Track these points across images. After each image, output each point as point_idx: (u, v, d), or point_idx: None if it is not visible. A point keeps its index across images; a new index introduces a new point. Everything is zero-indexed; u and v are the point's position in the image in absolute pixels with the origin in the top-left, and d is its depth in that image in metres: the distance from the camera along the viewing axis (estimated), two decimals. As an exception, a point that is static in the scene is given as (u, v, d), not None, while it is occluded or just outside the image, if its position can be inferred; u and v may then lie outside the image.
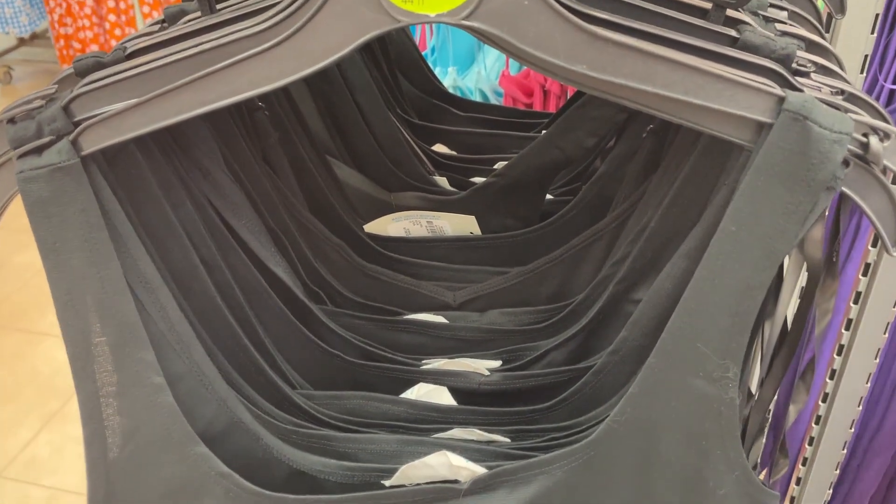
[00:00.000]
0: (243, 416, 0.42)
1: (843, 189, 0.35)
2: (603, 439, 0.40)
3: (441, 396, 0.51)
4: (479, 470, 0.42)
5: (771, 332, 0.41)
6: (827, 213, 0.36)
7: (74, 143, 0.37)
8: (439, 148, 0.76)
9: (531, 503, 0.41)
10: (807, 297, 0.38)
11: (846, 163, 0.34)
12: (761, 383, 0.42)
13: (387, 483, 0.43)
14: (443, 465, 0.42)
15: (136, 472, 0.40)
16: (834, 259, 0.37)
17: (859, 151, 0.34)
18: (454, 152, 0.76)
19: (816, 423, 0.87)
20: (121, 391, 0.39)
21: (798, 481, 0.97)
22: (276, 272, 0.48)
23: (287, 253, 0.51)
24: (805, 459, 0.94)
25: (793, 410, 0.40)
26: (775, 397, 0.42)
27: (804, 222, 0.35)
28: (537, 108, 1.32)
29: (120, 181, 0.40)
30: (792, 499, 0.99)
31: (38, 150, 0.37)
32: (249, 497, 0.40)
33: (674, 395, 0.39)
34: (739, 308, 0.37)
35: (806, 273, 0.40)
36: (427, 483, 0.42)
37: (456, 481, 0.42)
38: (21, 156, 0.37)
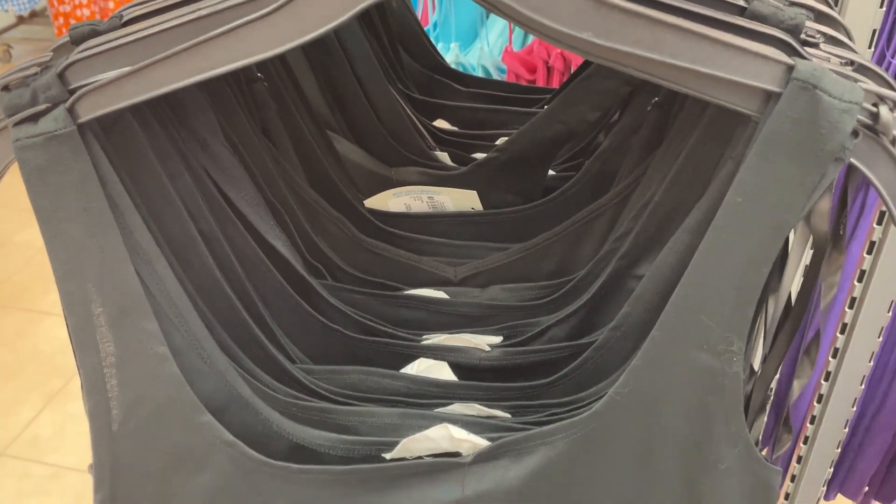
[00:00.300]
0: (242, 391, 0.42)
1: (852, 160, 0.34)
2: (605, 411, 0.40)
3: (441, 372, 0.50)
4: (480, 442, 0.42)
5: (775, 307, 0.40)
6: (835, 186, 0.36)
7: (70, 110, 0.37)
8: (440, 124, 0.75)
9: (533, 474, 0.41)
10: (812, 270, 0.37)
11: (855, 133, 0.34)
12: (764, 359, 0.42)
13: (387, 456, 0.43)
14: (444, 437, 0.42)
15: (141, 442, 0.40)
16: (841, 232, 0.37)
17: (869, 122, 0.34)
18: (455, 128, 0.75)
19: (818, 401, 0.87)
20: (124, 361, 0.39)
21: (799, 459, 0.97)
22: (276, 245, 0.48)
23: (286, 227, 0.50)
24: (806, 438, 0.94)
25: (797, 385, 0.40)
26: (778, 374, 0.41)
27: (811, 194, 0.34)
28: (541, 84, 1.31)
29: (116, 151, 0.39)
30: (793, 476, 0.99)
31: (34, 118, 0.36)
32: (254, 465, 0.40)
33: (677, 369, 0.39)
34: (744, 281, 0.36)
35: (811, 249, 0.40)
36: (429, 456, 0.42)
37: (457, 454, 0.42)
38: (17, 123, 0.36)
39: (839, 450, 0.95)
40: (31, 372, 2.07)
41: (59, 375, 2.03)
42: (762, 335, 0.43)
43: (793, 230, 0.36)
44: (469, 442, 0.42)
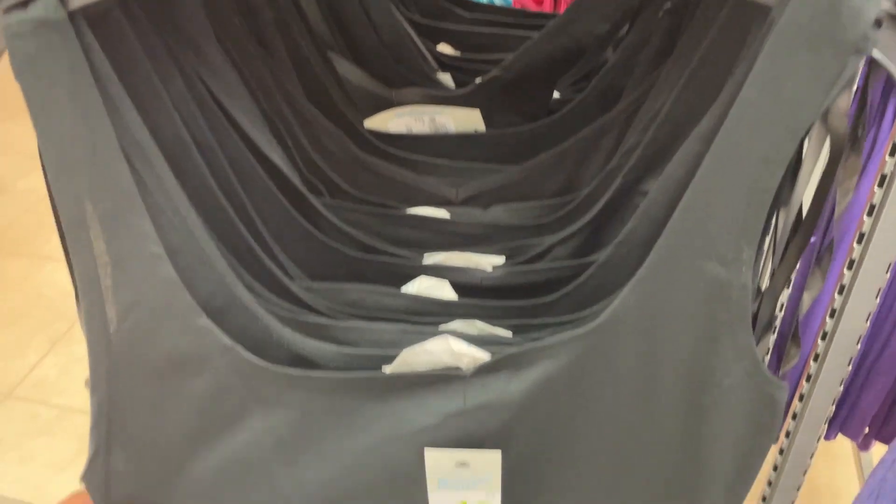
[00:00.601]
0: (242, 295, 0.41)
1: (874, 54, 0.33)
2: (609, 323, 0.39)
3: (442, 291, 0.49)
4: (481, 356, 0.41)
5: (786, 217, 0.39)
6: (855, 84, 0.34)
7: (61, -3, 0.35)
8: (444, 48, 0.73)
9: (534, 386, 0.40)
10: (828, 174, 0.36)
11: (878, 23, 0.32)
12: (773, 273, 0.41)
13: (387, 369, 0.42)
14: (444, 350, 0.41)
15: (138, 344, 0.39)
16: (859, 133, 0.35)
17: (894, 10, 0.32)
18: (459, 53, 0.73)
19: (830, 316, 0.85)
20: (119, 261, 0.38)
21: (801, 397, 0.96)
22: (272, 158, 0.46)
23: (283, 140, 0.49)
24: (809, 376, 0.94)
25: (807, 297, 0.39)
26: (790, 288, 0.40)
27: (830, 89, 0.33)
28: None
29: (105, 49, 0.37)
30: (794, 414, 0.99)
31: (24, 4, 0.35)
32: (253, 370, 0.39)
33: (683, 279, 0.38)
34: (757, 184, 0.35)
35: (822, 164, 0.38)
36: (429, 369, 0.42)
37: (457, 368, 0.41)
38: (7, 10, 0.35)
39: (842, 387, 0.95)
40: (36, 316, 2.08)
41: (64, 319, 2.04)
42: (771, 249, 0.42)
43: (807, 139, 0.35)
44: (469, 355, 0.41)
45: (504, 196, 0.53)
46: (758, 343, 0.41)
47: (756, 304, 0.42)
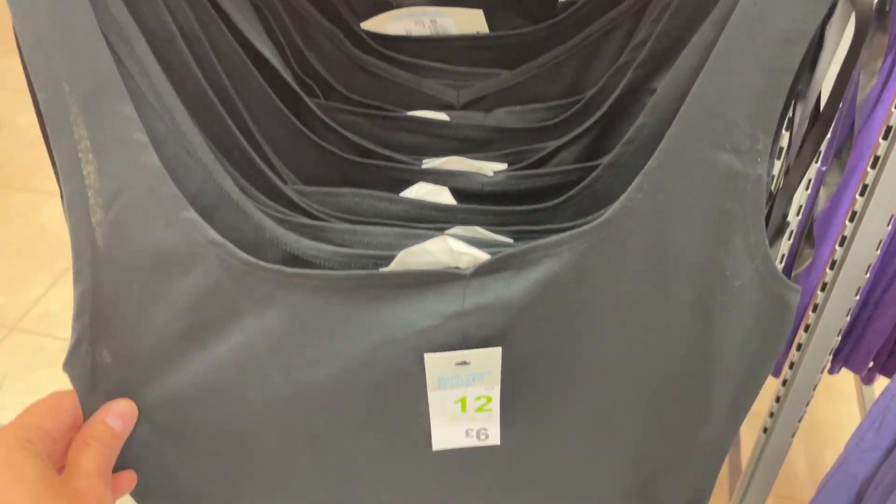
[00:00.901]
0: (231, 191, 0.39)
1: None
2: (616, 219, 0.37)
3: (441, 197, 0.48)
4: (480, 256, 0.39)
5: (805, 106, 0.37)
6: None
7: None
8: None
9: (536, 287, 0.38)
10: (852, 54, 0.34)
11: None
12: (787, 169, 0.39)
13: (384, 270, 0.40)
14: (443, 250, 0.40)
15: (123, 236, 0.38)
16: (887, 8, 0.33)
17: None
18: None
19: (840, 244, 0.84)
20: (99, 148, 0.36)
21: (807, 328, 0.95)
22: (263, 52, 0.44)
23: (274, 36, 0.46)
24: (816, 306, 0.93)
25: (823, 194, 0.37)
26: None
27: None
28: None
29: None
30: (799, 345, 0.98)
31: None
32: (244, 267, 0.38)
33: (696, 170, 0.36)
34: (776, 64, 0.33)
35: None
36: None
37: (456, 268, 0.40)
38: None
39: (849, 318, 0.93)
40: (39, 251, 2.08)
41: (67, 255, 2.02)
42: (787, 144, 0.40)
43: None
44: (469, 255, 0.40)
45: (507, 99, 0.51)
46: (771, 244, 0.39)
47: (769, 203, 0.40)
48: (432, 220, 0.46)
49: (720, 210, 0.36)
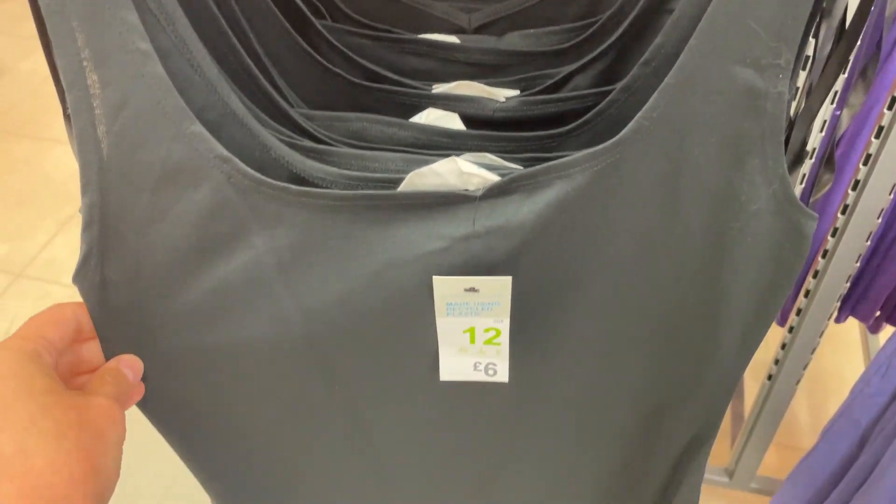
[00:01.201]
0: (237, 108, 0.38)
1: None
2: (630, 139, 0.36)
3: (451, 123, 0.47)
4: (490, 177, 0.38)
5: (828, 24, 0.35)
6: None
7: None
8: None
9: (547, 209, 0.38)
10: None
11: None
12: (809, 89, 0.38)
13: (393, 191, 0.40)
14: (452, 172, 0.39)
15: (130, 148, 0.37)
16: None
17: None
18: None
19: (853, 188, 0.82)
20: (103, 56, 0.35)
21: (816, 274, 0.95)
22: (269, -31, 0.43)
23: (281, -47, 0.45)
24: (835, 230, 0.91)
25: (846, 115, 0.36)
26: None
27: None
28: None
29: None
30: (807, 291, 0.97)
31: None
32: (252, 185, 0.37)
33: (715, 87, 0.35)
34: None
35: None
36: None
37: (466, 190, 0.39)
38: None
39: (858, 264, 0.93)
40: (44, 198, 2.08)
41: (72, 202, 2.04)
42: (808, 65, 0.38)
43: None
44: (479, 177, 0.39)
45: (521, 23, 0.49)
46: (789, 171, 0.38)
47: (789, 128, 0.39)
48: (442, 146, 0.45)
49: (738, 130, 0.35)
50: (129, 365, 0.42)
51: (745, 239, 0.39)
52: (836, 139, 0.37)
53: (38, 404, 0.34)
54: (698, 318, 0.42)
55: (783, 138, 0.36)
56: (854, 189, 0.85)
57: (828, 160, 0.38)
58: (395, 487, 0.52)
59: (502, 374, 0.45)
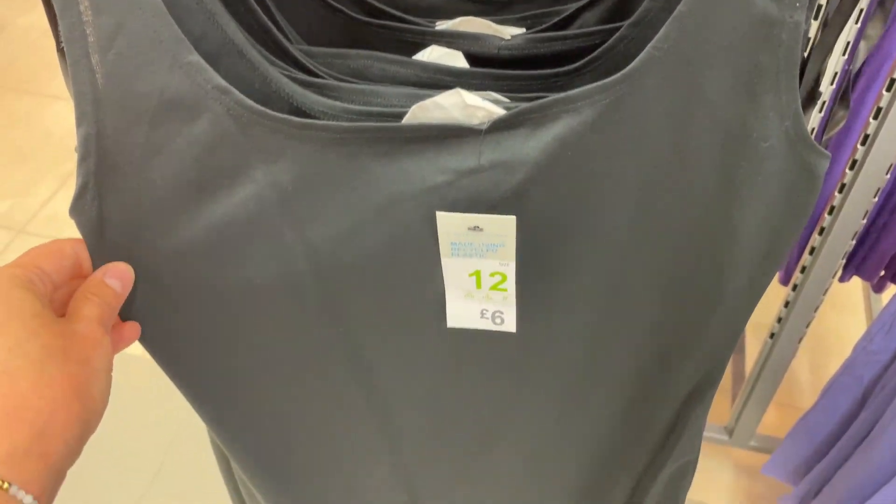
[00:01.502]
0: (236, 38, 0.37)
1: None
2: (640, 71, 0.35)
3: (455, 61, 0.45)
4: (496, 110, 0.37)
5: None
6: None
7: None
8: None
9: (554, 144, 0.37)
10: None
11: None
12: (825, 21, 0.37)
13: (397, 123, 0.39)
14: (456, 105, 0.38)
15: (124, 80, 0.36)
16: None
17: None
18: None
19: (862, 143, 0.81)
20: None
21: (822, 231, 0.94)
22: None
23: None
24: (842, 186, 0.90)
25: (863, 48, 0.35)
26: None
27: None
28: None
29: None
30: (812, 249, 0.97)
31: None
32: (251, 117, 0.36)
33: (729, 14, 0.33)
34: None
35: None
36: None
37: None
38: None
39: (865, 221, 0.92)
40: (45, 154, 2.07)
41: (72, 158, 2.02)
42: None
43: None
44: (484, 110, 0.38)
45: (527, -42, 0.48)
46: (803, 108, 0.37)
47: (803, 61, 0.38)
48: (445, 84, 0.44)
49: (752, 62, 0.34)
50: (117, 275, 0.41)
51: (756, 179, 0.38)
52: (853, 73, 0.36)
53: (25, 328, 0.34)
54: (705, 261, 0.42)
55: (798, 72, 0.35)
56: (863, 144, 0.84)
57: (842, 96, 0.37)
58: (397, 437, 0.52)
59: (510, 324, 0.44)
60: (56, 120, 2.16)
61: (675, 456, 0.53)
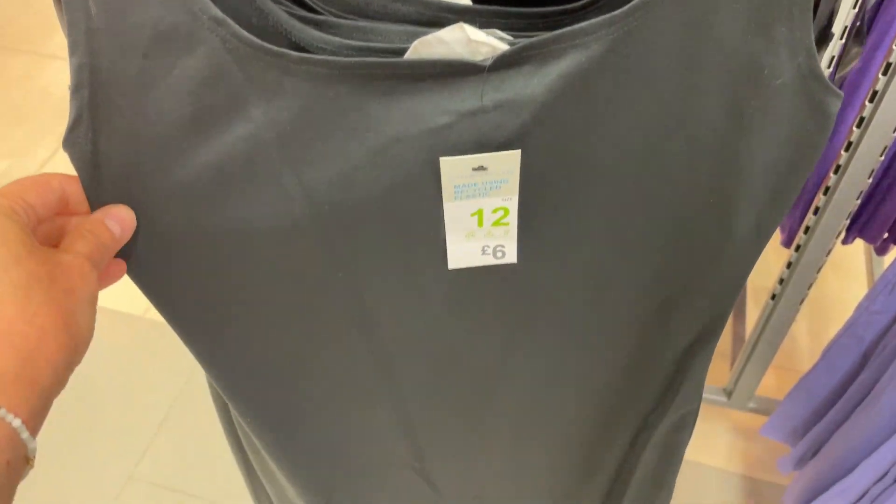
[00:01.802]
0: None
1: None
2: (650, 3, 0.34)
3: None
4: (500, 46, 0.36)
5: None
6: None
7: None
8: None
9: (559, 81, 0.36)
10: None
11: None
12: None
13: (398, 59, 0.38)
14: (459, 41, 0.37)
15: (118, 9, 0.35)
16: None
17: None
18: None
19: (870, 100, 0.80)
20: None
21: (826, 190, 0.93)
22: None
23: None
24: (838, 167, 0.89)
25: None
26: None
27: None
28: None
29: None
30: (816, 209, 0.96)
31: None
32: (248, 50, 0.35)
33: None
34: None
35: None
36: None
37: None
38: None
39: (871, 181, 0.91)
40: (43, 114, 2.05)
41: (71, 118, 2.00)
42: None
43: None
44: (488, 45, 0.37)
45: None
46: (816, 46, 0.36)
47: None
48: (448, 23, 0.42)
49: None
50: (118, 218, 0.40)
51: (766, 118, 0.38)
52: (868, 9, 0.35)
53: (10, 254, 0.33)
54: (713, 201, 0.41)
55: (811, 7, 0.34)
56: (871, 101, 0.82)
57: (857, 33, 0.36)
58: (398, 381, 0.52)
59: (511, 255, 0.43)
60: (54, 80, 2.14)
61: (675, 405, 0.53)
